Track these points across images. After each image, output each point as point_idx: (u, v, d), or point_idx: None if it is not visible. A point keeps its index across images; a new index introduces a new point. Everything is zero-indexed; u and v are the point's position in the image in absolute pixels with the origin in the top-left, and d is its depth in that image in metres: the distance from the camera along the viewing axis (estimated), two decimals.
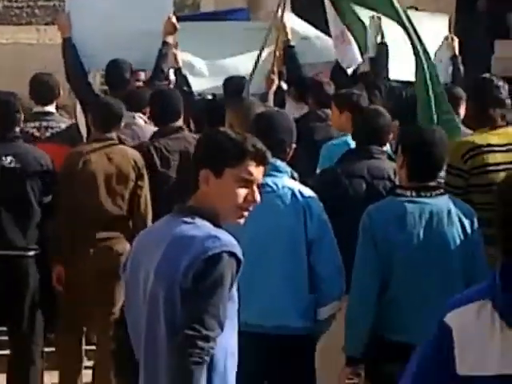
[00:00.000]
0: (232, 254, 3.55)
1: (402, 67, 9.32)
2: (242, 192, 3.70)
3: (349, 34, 9.09)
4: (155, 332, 3.63)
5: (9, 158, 6.74)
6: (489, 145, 6.23)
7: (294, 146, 5.44)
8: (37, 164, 6.84)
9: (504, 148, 6.17)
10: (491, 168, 6.20)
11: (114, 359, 4.48)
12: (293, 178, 5.31)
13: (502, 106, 6.38)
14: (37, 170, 6.82)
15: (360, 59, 9.22)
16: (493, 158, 6.24)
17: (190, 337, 3.43)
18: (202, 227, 3.63)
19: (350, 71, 9.26)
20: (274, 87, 8.78)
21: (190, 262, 3.52)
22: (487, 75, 6.88)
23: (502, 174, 6.10)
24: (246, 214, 3.75)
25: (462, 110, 7.69)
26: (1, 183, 6.75)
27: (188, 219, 3.66)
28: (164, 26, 8.68)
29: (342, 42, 9.05)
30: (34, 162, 6.84)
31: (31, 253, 6.80)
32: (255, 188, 3.74)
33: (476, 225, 5.19)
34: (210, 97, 9.46)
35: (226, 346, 3.63)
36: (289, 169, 5.29)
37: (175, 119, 7.31)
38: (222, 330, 3.52)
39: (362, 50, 9.04)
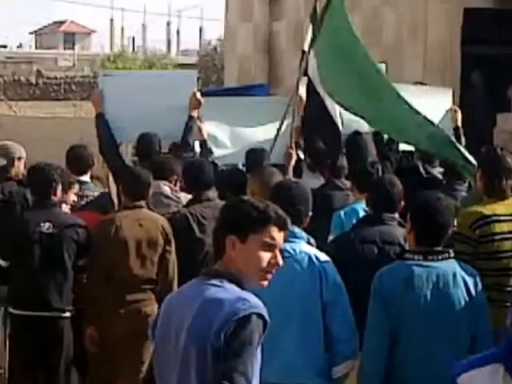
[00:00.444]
0: (260, 316, 3.56)
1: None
2: (266, 256, 3.72)
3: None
4: (186, 381, 3.63)
5: (47, 225, 6.77)
6: (495, 215, 6.23)
7: (310, 213, 5.49)
8: (72, 230, 6.84)
9: (510, 218, 6.17)
10: (497, 237, 6.20)
11: None
12: (309, 243, 5.33)
13: (511, 178, 6.42)
14: (72, 236, 6.82)
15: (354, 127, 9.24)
16: (499, 228, 6.23)
17: None
18: (230, 290, 3.63)
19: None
20: (293, 161, 8.80)
21: (222, 323, 3.52)
22: (499, 149, 6.86)
23: (508, 243, 6.14)
24: (269, 276, 3.76)
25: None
26: (39, 248, 6.76)
27: (217, 282, 3.67)
28: (189, 101, 8.78)
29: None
30: (70, 228, 6.84)
31: (67, 314, 6.79)
32: (277, 252, 3.76)
33: (480, 287, 5.15)
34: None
35: None
36: (305, 235, 5.31)
37: (208, 188, 7.32)
38: None
39: None
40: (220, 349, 3.53)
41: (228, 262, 3.74)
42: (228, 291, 3.64)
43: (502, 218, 6.21)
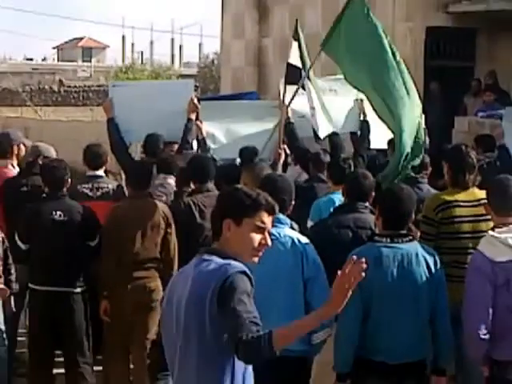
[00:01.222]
0: (243, 272, 3.60)
1: (379, 138, 9.38)
2: (257, 237, 3.76)
3: (318, 109, 9.12)
4: (188, 350, 3.65)
5: (58, 213, 6.79)
6: (456, 201, 6.26)
7: (293, 202, 5.49)
8: (80, 216, 6.86)
9: (469, 204, 6.17)
10: (457, 220, 6.23)
11: (150, 371, 4.48)
12: (292, 228, 5.33)
13: (473, 172, 6.45)
14: (80, 222, 6.84)
15: (331, 130, 9.21)
16: (459, 212, 6.25)
17: (246, 329, 3.42)
18: (216, 261, 3.68)
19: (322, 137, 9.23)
20: (282, 158, 8.79)
21: (214, 288, 3.55)
22: (463, 146, 6.86)
23: (467, 225, 6.14)
24: (260, 254, 3.81)
25: (428, 172, 7.74)
26: (52, 233, 6.76)
27: (207, 257, 3.72)
28: (188, 105, 8.80)
29: (312, 116, 9.07)
30: (78, 215, 6.86)
31: (78, 289, 6.81)
32: (267, 234, 3.80)
33: (439, 265, 5.15)
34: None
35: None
36: (289, 221, 5.31)
37: (207, 179, 7.26)
38: (260, 324, 3.50)
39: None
40: (218, 312, 3.54)
41: (224, 242, 3.77)
42: (215, 262, 3.67)
43: (462, 203, 6.23)
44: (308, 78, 8.94)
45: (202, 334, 3.60)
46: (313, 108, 8.98)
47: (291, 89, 9.09)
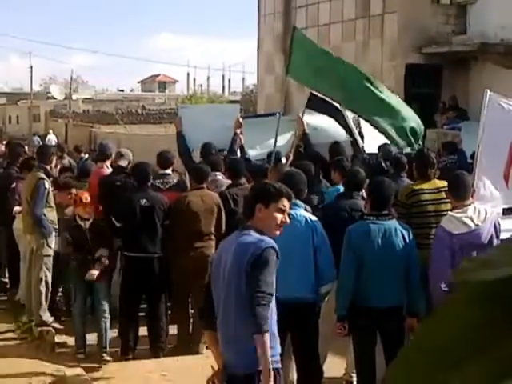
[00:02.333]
0: (273, 248, 3.66)
1: (370, 145, 9.34)
2: (279, 217, 3.84)
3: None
4: (229, 299, 3.69)
5: (143, 200, 6.82)
6: (421, 189, 6.24)
7: (306, 191, 5.49)
8: (159, 203, 6.89)
9: (431, 191, 6.15)
10: (423, 203, 6.21)
11: (200, 313, 4.49)
12: (306, 210, 5.34)
13: (434, 167, 6.46)
14: (160, 207, 6.86)
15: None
16: (424, 197, 6.23)
17: (257, 297, 3.55)
18: (254, 235, 3.73)
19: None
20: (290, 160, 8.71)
21: (249, 256, 3.62)
22: (425, 149, 6.87)
23: (430, 206, 6.12)
24: (281, 229, 3.87)
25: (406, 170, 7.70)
26: (140, 215, 6.79)
27: (246, 231, 3.77)
28: (234, 123, 8.77)
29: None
30: (158, 203, 6.89)
31: (157, 255, 6.83)
32: (286, 214, 3.88)
33: (412, 237, 5.14)
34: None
35: (273, 304, 3.69)
36: (303, 205, 5.32)
37: (241, 176, 7.30)
38: (273, 291, 3.64)
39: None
40: (250, 272, 3.61)
41: (256, 220, 3.83)
42: (252, 236, 3.72)
43: (426, 191, 6.21)
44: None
45: (239, 287, 3.64)
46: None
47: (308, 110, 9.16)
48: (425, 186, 6.32)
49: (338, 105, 8.92)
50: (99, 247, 6.82)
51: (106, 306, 6.84)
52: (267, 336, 3.54)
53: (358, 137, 9.20)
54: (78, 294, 6.94)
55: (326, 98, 8.83)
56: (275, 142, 8.39)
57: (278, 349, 3.75)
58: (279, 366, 3.72)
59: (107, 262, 6.87)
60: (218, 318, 3.78)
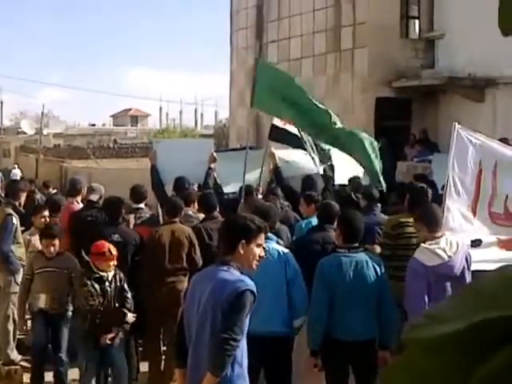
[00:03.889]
0: (251, 292, 3.65)
1: (341, 177, 9.43)
2: (258, 251, 3.88)
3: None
4: (203, 331, 3.68)
5: (116, 236, 6.74)
6: (407, 221, 6.29)
7: (277, 223, 5.51)
8: (132, 238, 6.84)
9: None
10: (407, 235, 6.27)
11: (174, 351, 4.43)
12: (278, 243, 5.35)
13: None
14: (131, 242, 6.81)
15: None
16: (408, 229, 6.28)
17: (226, 339, 3.56)
18: (234, 273, 3.72)
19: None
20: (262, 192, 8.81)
21: (228, 295, 3.62)
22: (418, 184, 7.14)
23: (414, 239, 6.15)
24: (258, 263, 3.90)
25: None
26: None
27: (225, 268, 3.75)
28: (208, 158, 8.80)
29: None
30: (130, 238, 6.84)
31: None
32: (262, 249, 3.92)
33: (383, 269, 5.15)
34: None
35: (243, 345, 3.71)
36: (275, 237, 5.33)
37: (214, 210, 7.27)
38: (243, 335, 3.65)
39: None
40: (226, 311, 3.62)
41: (237, 256, 3.80)
42: (232, 274, 3.73)
43: (411, 223, 6.23)
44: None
45: (214, 323, 3.65)
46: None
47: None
48: (409, 218, 6.35)
49: (298, 134, 9.06)
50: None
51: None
52: (216, 381, 3.59)
53: (317, 161, 9.26)
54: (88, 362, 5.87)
55: (286, 127, 9.02)
56: (244, 175, 8.42)
57: None
58: None
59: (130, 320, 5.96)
60: (190, 349, 3.78)
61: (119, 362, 6.04)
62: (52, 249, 6.60)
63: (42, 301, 6.50)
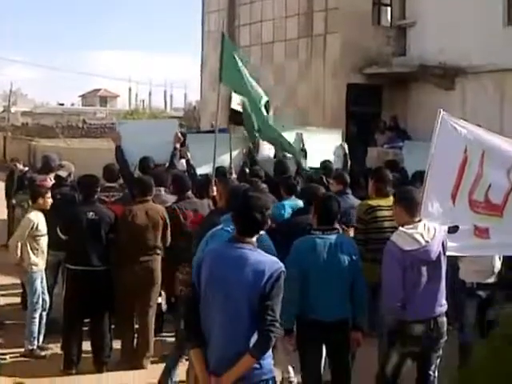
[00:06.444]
0: (283, 272, 3.68)
1: (312, 160, 9.50)
2: None
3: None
4: (236, 311, 3.59)
5: (91, 213, 6.74)
6: (379, 205, 6.41)
7: None
8: (106, 216, 6.81)
9: (388, 207, 6.14)
10: (380, 219, 6.37)
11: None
12: None
13: (390, 185, 6.65)
14: (106, 220, 6.79)
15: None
16: (381, 213, 6.38)
17: (272, 322, 3.56)
18: (263, 253, 3.74)
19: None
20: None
21: (267, 278, 3.60)
22: (384, 169, 7.10)
23: (387, 223, 6.21)
24: None
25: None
26: (87, 228, 6.69)
27: (250, 247, 3.71)
28: (174, 137, 8.79)
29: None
30: (105, 215, 6.81)
31: (102, 268, 6.71)
32: None
33: (357, 251, 5.17)
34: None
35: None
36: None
37: (187, 190, 7.24)
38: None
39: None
40: (267, 293, 3.58)
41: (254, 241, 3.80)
42: (262, 254, 3.72)
43: (384, 207, 6.37)
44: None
45: (252, 305, 3.59)
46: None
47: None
48: (382, 202, 6.42)
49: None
50: None
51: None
52: (254, 363, 3.58)
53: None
54: None
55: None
56: (214, 157, 8.39)
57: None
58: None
59: None
60: (212, 328, 3.67)
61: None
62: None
63: None
